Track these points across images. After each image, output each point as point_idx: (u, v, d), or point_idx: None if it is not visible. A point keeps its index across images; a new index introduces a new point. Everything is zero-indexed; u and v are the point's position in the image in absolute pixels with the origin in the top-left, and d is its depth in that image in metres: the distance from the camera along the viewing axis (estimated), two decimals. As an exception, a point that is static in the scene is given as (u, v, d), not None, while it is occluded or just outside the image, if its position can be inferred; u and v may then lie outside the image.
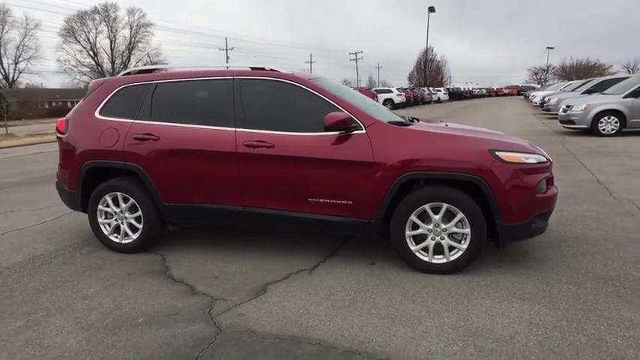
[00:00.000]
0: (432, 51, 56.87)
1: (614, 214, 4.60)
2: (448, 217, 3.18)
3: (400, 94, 30.74)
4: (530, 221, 3.16)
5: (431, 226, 3.21)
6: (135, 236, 3.78)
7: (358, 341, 2.42)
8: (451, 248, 3.21)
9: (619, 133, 11.06)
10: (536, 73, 68.84)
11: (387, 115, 3.67)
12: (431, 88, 42.57)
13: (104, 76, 33.74)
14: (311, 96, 3.42)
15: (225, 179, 3.47)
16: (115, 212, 3.79)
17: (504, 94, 62.11)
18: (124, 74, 4.01)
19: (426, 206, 3.17)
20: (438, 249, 3.24)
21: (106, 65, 31.10)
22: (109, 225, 3.84)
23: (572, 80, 35.84)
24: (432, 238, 3.22)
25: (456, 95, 47.72)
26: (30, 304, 2.95)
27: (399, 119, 3.61)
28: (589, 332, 2.43)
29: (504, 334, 2.44)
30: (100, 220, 3.84)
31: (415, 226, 3.24)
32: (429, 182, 3.22)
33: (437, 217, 3.18)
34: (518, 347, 2.31)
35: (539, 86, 52.81)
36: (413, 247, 3.25)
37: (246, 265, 3.51)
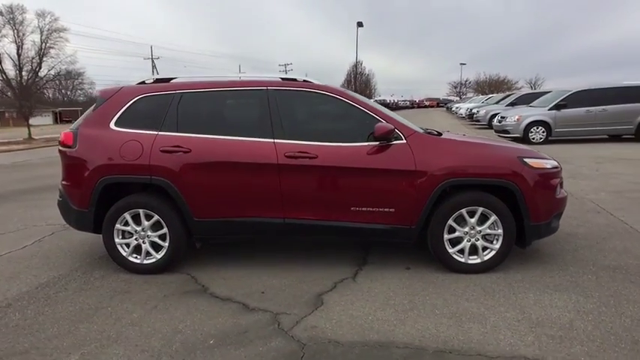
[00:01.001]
0: (362, 64, 59.38)
1: (584, 212, 5.24)
2: (482, 219, 3.43)
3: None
4: (550, 220, 3.53)
5: (466, 229, 3.44)
6: (159, 255, 3.54)
7: (442, 341, 2.54)
8: (484, 249, 3.47)
9: (546, 142, 12.50)
10: (455, 87, 75.19)
11: (416, 126, 3.86)
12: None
13: (9, 83, 30.34)
14: (349, 107, 3.52)
15: (265, 191, 3.41)
16: (136, 231, 3.53)
17: (425, 106, 66.68)
18: (138, 84, 3.76)
19: (463, 210, 3.40)
20: (472, 250, 3.48)
21: (12, 72, 27.90)
22: (128, 245, 3.56)
23: (486, 94, 39.58)
24: (467, 240, 3.46)
25: (383, 106, 50.14)
26: (72, 335, 2.66)
27: (430, 130, 3.83)
28: (629, 314, 2.79)
29: (563, 322, 2.71)
30: (117, 240, 3.54)
31: (451, 230, 3.45)
32: (464, 188, 3.45)
33: (472, 221, 3.42)
34: (581, 332, 2.59)
35: (457, 99, 57.46)
36: (450, 250, 3.46)
37: (287, 278, 3.46)
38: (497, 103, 21.00)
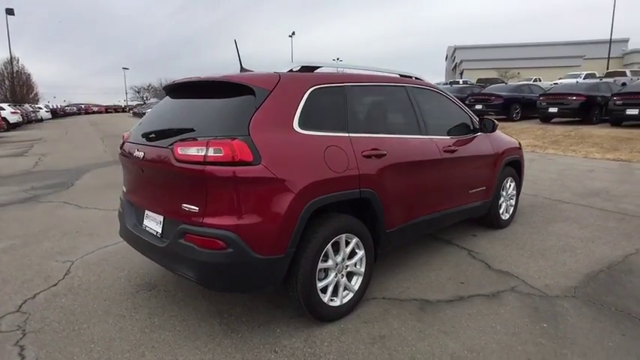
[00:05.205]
0: (18, 61, 46.35)
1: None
2: (510, 186, 4.71)
3: (15, 112, 24.30)
4: (520, 180, 5.23)
5: (504, 194, 4.64)
6: (356, 287, 2.85)
7: (595, 262, 3.68)
8: (510, 206, 4.77)
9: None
10: (138, 92, 76.03)
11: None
12: (33, 106, 35.36)
13: None
14: (450, 103, 3.94)
15: (433, 187, 3.40)
16: (337, 264, 2.69)
17: (94, 112, 62.31)
18: (289, 71, 2.70)
19: (505, 181, 4.57)
20: (506, 209, 4.71)
21: None
22: (325, 288, 2.66)
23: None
24: (505, 202, 4.66)
25: (53, 113, 42.04)
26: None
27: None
28: (614, 225, 4.77)
29: (594, 236, 4.39)
30: (318, 284, 2.58)
31: (499, 197, 4.56)
32: (506, 164, 4.56)
33: (507, 186, 4.65)
34: (617, 234, 4.34)
35: (145, 103, 55.85)
36: (500, 212, 4.56)
37: (443, 268, 3.56)
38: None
